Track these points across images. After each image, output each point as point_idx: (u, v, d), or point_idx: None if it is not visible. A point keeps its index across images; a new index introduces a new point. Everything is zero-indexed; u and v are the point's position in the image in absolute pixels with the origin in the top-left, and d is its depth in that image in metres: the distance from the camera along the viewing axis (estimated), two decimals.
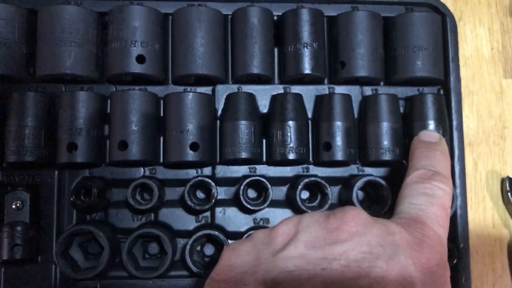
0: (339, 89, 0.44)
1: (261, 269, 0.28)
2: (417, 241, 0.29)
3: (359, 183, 0.41)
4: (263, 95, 0.44)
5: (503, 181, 0.47)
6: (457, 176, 0.43)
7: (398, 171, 0.43)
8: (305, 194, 0.44)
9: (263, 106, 0.44)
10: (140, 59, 0.41)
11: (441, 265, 0.29)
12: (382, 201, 0.41)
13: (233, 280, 0.28)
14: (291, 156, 0.41)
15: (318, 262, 0.27)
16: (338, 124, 0.42)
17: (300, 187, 0.41)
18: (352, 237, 0.28)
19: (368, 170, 0.44)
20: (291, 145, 0.41)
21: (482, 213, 0.47)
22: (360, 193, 0.44)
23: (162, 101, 0.43)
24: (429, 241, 0.30)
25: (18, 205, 0.40)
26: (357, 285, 0.26)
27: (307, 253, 0.28)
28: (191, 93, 0.41)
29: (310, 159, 0.43)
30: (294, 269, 0.27)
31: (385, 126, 0.42)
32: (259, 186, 0.42)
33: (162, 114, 0.42)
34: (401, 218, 0.32)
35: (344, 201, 0.43)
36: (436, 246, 0.30)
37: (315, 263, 0.27)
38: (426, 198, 0.33)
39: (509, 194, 0.46)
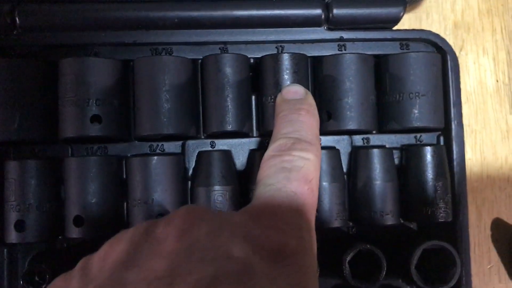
0: (326, 140, 0.39)
1: None
2: (265, 230, 0.24)
3: (350, 254, 0.36)
4: (240, 150, 0.38)
5: (510, 230, 0.42)
6: (459, 236, 0.38)
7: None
8: None
9: (240, 163, 0.39)
10: (96, 119, 0.35)
11: (298, 252, 0.24)
12: (377, 266, 0.37)
13: None
14: None
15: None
16: (325, 186, 0.37)
17: None
18: (179, 244, 0.23)
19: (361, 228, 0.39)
20: None
21: (487, 267, 0.43)
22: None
23: (124, 163, 0.37)
24: (281, 226, 0.25)
25: None
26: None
27: (122, 276, 0.23)
28: (156, 157, 0.36)
29: None
30: None
31: (377, 185, 0.37)
32: None
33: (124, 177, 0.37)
34: (253, 205, 0.27)
35: (334, 266, 0.39)
36: (291, 231, 0.25)
37: None
38: (283, 174, 0.28)
39: None
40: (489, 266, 0.43)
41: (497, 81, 0.44)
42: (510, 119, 0.44)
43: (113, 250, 0.25)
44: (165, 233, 0.24)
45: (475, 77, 0.44)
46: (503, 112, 0.43)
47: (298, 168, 0.29)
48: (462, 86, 0.42)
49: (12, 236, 0.35)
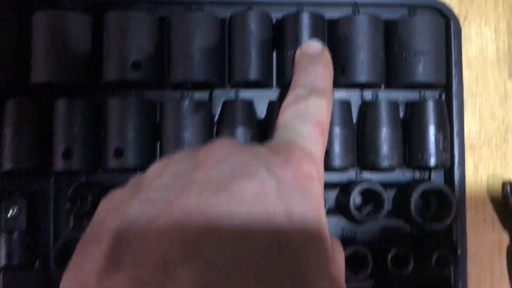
0: (339, 94, 0.43)
1: (115, 215, 0.25)
2: (282, 160, 0.28)
3: (355, 192, 0.41)
4: (261, 100, 0.43)
5: (504, 185, 0.46)
6: (457, 182, 0.43)
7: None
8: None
9: (261, 111, 0.43)
10: (136, 65, 0.40)
11: (309, 178, 0.28)
12: (380, 206, 0.41)
13: (94, 231, 0.26)
14: None
15: (178, 188, 0.25)
16: (336, 130, 0.41)
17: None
18: (215, 163, 0.27)
19: (366, 174, 0.44)
20: None
21: (482, 216, 0.47)
22: (358, 198, 0.44)
23: (158, 107, 0.42)
24: (296, 158, 0.29)
25: (15, 211, 0.40)
26: (216, 201, 0.25)
27: (170, 183, 0.26)
28: (187, 102, 0.40)
29: None
30: (154, 199, 0.25)
31: (384, 132, 0.41)
32: None
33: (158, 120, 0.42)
34: (273, 142, 0.31)
35: (342, 206, 0.43)
36: (304, 161, 0.29)
37: (175, 190, 0.25)
38: (300, 119, 0.32)
39: (510, 198, 0.46)
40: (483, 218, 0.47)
41: (498, 49, 0.48)
42: (509, 84, 0.48)
43: (160, 167, 0.29)
44: (206, 157, 0.28)
45: (477, 45, 0.48)
46: (502, 77, 0.48)
47: (312, 113, 0.33)
48: (464, 53, 0.46)
49: (60, 164, 0.40)
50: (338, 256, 0.32)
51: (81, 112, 0.40)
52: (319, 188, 0.29)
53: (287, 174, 0.28)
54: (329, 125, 0.34)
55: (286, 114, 0.33)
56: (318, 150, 0.31)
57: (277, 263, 0.23)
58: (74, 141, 0.40)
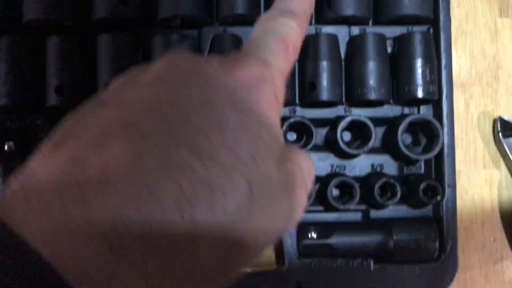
0: (326, 29, 0.44)
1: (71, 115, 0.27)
2: (233, 64, 0.28)
3: (343, 123, 0.41)
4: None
5: (495, 121, 0.46)
6: (445, 116, 0.43)
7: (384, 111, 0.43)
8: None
9: None
10: (124, 1, 0.41)
11: (259, 79, 0.28)
12: (367, 139, 0.41)
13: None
14: None
15: (126, 88, 0.26)
16: (323, 64, 0.42)
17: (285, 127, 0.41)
18: (165, 66, 0.28)
19: (355, 111, 0.44)
20: None
21: (473, 154, 0.47)
22: (347, 135, 0.45)
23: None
24: (247, 60, 0.29)
25: (10, 146, 0.41)
26: (160, 89, 0.25)
27: (120, 86, 0.27)
28: (175, 34, 0.41)
29: (297, 100, 0.43)
30: (107, 95, 0.27)
31: (370, 65, 0.42)
32: None
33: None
34: (232, 53, 0.31)
35: (331, 142, 0.44)
36: (256, 65, 0.29)
37: (122, 90, 0.26)
38: (263, 34, 0.32)
39: (500, 134, 0.46)
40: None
41: None
42: (499, 22, 0.47)
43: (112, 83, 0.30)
44: (156, 63, 0.28)
45: None
46: (492, 15, 0.47)
47: (277, 30, 0.32)
48: None
49: (52, 100, 0.41)
50: (298, 157, 0.33)
51: (73, 48, 0.41)
52: (271, 89, 0.30)
53: (236, 73, 0.28)
54: (297, 47, 0.34)
55: (253, 32, 0.34)
56: (277, 61, 0.31)
57: (212, 137, 0.25)
58: (66, 77, 0.41)
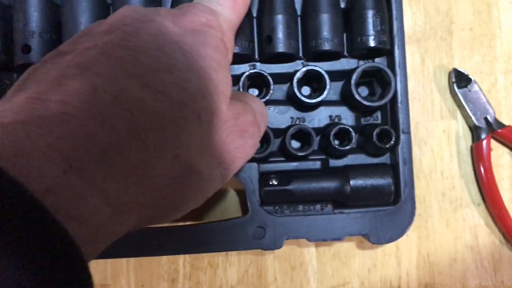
0: None
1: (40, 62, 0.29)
2: (180, 13, 0.31)
3: (299, 74, 0.43)
4: None
5: (449, 73, 0.48)
6: (397, 64, 0.44)
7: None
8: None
9: None
10: None
11: (206, 25, 0.31)
12: (323, 88, 0.43)
13: None
14: (236, 50, 0.43)
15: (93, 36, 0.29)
16: (278, 17, 0.43)
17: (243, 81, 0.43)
18: (121, 14, 0.31)
19: (313, 64, 0.46)
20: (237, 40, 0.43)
21: (430, 106, 0.49)
22: (307, 90, 0.47)
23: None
24: (194, 9, 0.32)
25: None
26: (116, 38, 0.28)
27: (77, 39, 0.29)
28: None
29: (256, 56, 0.45)
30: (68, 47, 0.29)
31: (324, 17, 0.43)
32: None
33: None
34: (182, 5, 0.34)
35: (290, 94, 0.45)
36: (203, 13, 0.32)
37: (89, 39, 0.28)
38: None
39: (455, 85, 0.47)
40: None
41: None
42: None
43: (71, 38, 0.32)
44: (111, 16, 0.31)
45: None
46: None
47: None
48: None
49: (20, 58, 0.43)
50: (249, 100, 0.35)
51: (39, 8, 0.43)
52: (218, 35, 0.32)
53: (184, 21, 0.31)
54: (247, 2, 0.36)
55: None
56: (224, 11, 0.34)
57: (162, 76, 0.27)
58: (32, 36, 0.43)
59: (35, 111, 0.24)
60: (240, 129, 0.32)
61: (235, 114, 0.32)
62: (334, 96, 0.46)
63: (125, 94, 0.26)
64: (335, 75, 0.46)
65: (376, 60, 0.46)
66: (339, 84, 0.46)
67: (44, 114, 0.24)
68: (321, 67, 0.45)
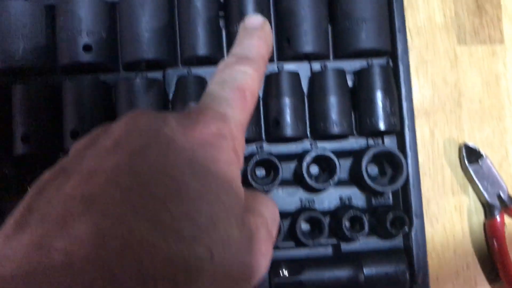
0: (288, 66, 0.45)
1: (32, 189, 0.27)
2: (191, 121, 0.29)
3: (308, 158, 0.42)
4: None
5: (460, 148, 0.47)
6: (408, 146, 0.43)
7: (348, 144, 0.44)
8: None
9: None
10: (87, 47, 0.42)
11: (218, 135, 0.29)
12: (333, 172, 0.42)
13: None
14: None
15: (89, 158, 0.27)
16: (286, 101, 0.42)
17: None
18: (125, 128, 0.28)
19: (320, 144, 0.45)
20: None
21: (441, 182, 0.47)
22: (314, 168, 0.45)
23: (113, 90, 0.44)
24: (204, 117, 0.29)
25: None
26: (115, 159, 0.26)
27: (81, 153, 0.27)
28: (138, 79, 0.42)
29: (263, 136, 0.44)
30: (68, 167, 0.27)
31: (332, 100, 0.42)
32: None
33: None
34: (187, 109, 0.32)
35: (298, 175, 0.44)
36: (214, 121, 0.29)
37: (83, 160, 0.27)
38: (220, 85, 0.32)
39: (466, 161, 0.46)
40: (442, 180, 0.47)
41: (445, 16, 0.49)
42: (458, 50, 0.48)
43: (77, 144, 0.31)
44: (115, 126, 0.29)
45: (425, 13, 0.49)
46: (451, 43, 0.49)
47: (234, 79, 0.32)
48: (412, 21, 0.48)
49: (19, 148, 0.41)
50: (261, 207, 0.33)
51: (38, 96, 0.42)
52: (230, 145, 0.30)
53: (194, 132, 0.29)
54: (255, 93, 0.34)
55: (210, 82, 0.35)
56: (235, 114, 0.32)
57: (172, 208, 0.25)
58: (32, 125, 0.41)
59: (37, 263, 0.22)
60: (254, 252, 0.31)
61: (248, 237, 0.30)
62: (343, 175, 0.45)
63: (134, 239, 0.24)
64: (343, 154, 0.44)
65: (386, 138, 0.45)
66: (347, 162, 0.45)
67: (46, 265, 0.22)
68: (330, 146, 0.44)
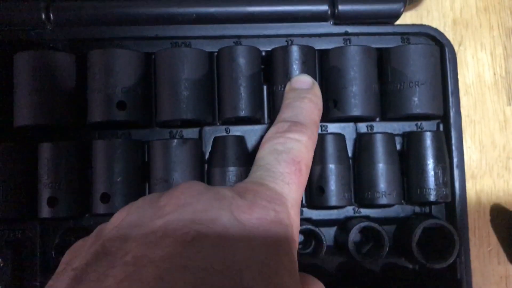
0: (332, 127, 0.42)
1: (76, 259, 0.26)
2: (248, 203, 0.27)
3: (354, 231, 0.39)
4: (252, 136, 0.42)
5: (510, 215, 0.45)
6: (458, 216, 0.41)
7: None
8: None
9: (252, 147, 0.42)
10: (121, 105, 0.39)
11: (276, 222, 0.27)
12: (380, 246, 0.39)
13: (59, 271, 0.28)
14: None
15: (134, 239, 0.25)
16: (331, 167, 0.40)
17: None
18: (176, 209, 0.26)
19: (365, 211, 0.42)
20: None
21: (487, 249, 0.45)
22: (357, 236, 0.43)
23: (146, 146, 0.41)
24: (262, 201, 0.27)
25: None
26: (174, 252, 0.24)
27: (128, 232, 0.26)
28: (175, 140, 0.39)
29: (304, 202, 0.41)
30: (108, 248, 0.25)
31: (380, 167, 0.40)
32: None
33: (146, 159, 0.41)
34: (243, 183, 0.30)
35: (341, 243, 0.41)
36: (271, 204, 0.27)
37: (131, 240, 0.25)
38: (275, 156, 0.30)
39: None
40: (488, 249, 0.45)
41: (495, 74, 0.46)
42: (508, 110, 0.46)
43: (122, 216, 0.28)
44: (167, 203, 0.27)
45: (474, 71, 0.46)
46: (500, 103, 0.46)
47: (288, 149, 0.31)
48: (461, 79, 0.45)
49: (45, 212, 0.38)
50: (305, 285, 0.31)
51: (66, 156, 0.39)
52: (288, 232, 0.28)
53: (251, 218, 0.26)
54: (309, 163, 0.32)
55: (263, 150, 0.32)
56: (291, 191, 0.30)
57: None
58: (59, 187, 0.38)
59: None
60: None
61: None
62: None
63: None
64: (387, 221, 0.42)
65: (434, 208, 0.42)
66: (390, 228, 0.43)
67: None
68: (374, 214, 0.42)
